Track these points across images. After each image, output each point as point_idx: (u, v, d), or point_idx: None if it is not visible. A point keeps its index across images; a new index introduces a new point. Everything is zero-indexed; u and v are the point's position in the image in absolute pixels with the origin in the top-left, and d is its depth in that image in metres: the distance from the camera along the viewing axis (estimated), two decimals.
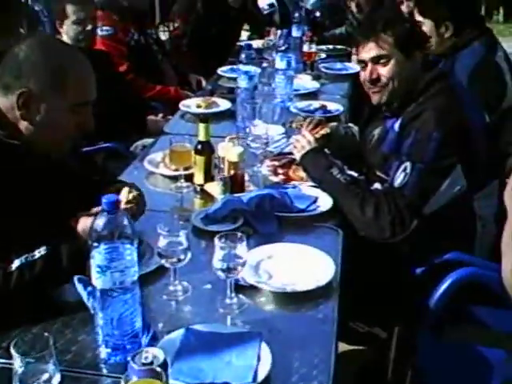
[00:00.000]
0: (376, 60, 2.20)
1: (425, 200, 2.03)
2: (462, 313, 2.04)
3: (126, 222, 1.33)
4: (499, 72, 2.77)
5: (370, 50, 2.21)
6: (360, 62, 2.29)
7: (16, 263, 1.49)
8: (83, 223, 1.58)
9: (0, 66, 1.63)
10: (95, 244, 1.31)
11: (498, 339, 2.03)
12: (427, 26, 2.75)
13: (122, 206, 1.60)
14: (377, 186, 2.16)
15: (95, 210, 1.54)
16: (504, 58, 2.84)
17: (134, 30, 3.87)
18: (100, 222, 1.31)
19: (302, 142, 2.31)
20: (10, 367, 1.22)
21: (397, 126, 2.20)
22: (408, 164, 2.03)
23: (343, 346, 2.54)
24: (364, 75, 2.26)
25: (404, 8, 3.66)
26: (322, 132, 2.43)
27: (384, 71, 2.20)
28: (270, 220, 1.99)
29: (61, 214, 1.63)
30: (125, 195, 1.72)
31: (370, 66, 2.23)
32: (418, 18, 2.79)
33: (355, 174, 2.21)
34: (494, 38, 2.94)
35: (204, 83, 4.09)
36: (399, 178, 2.04)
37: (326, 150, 2.30)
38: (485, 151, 2.19)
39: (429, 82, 2.18)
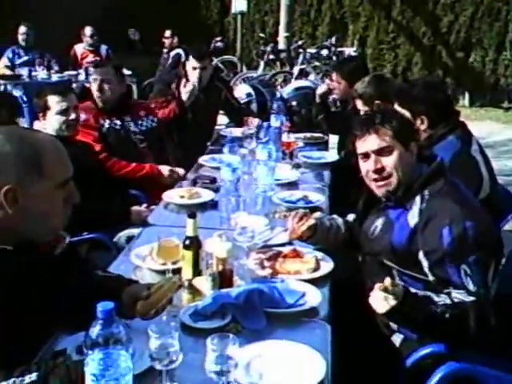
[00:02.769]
0: (379, 151, 2.26)
1: (492, 282, 2.10)
2: None
3: (121, 328, 1.33)
4: (475, 164, 2.86)
5: (372, 142, 2.26)
6: (362, 154, 2.32)
7: None
8: None
9: None
10: (89, 351, 1.31)
11: None
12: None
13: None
14: (457, 296, 2.08)
15: None
16: (479, 151, 2.94)
17: (111, 117, 3.96)
18: (95, 329, 1.31)
19: (379, 301, 1.98)
20: None
21: (412, 222, 2.21)
22: (464, 266, 2.06)
23: None
24: (367, 166, 2.30)
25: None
26: (308, 224, 2.47)
27: (388, 161, 2.25)
28: (258, 316, 1.98)
29: (54, 312, 1.64)
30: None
31: (373, 157, 2.27)
32: (397, 107, 2.90)
33: (446, 300, 2.08)
34: (468, 131, 3.04)
35: (182, 172, 4.10)
36: (470, 283, 2.05)
37: (402, 304, 1.98)
38: None
39: (431, 175, 2.24)
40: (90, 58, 8.21)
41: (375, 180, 2.30)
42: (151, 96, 5.14)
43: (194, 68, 4.66)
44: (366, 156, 2.30)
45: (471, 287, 2.06)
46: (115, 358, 1.32)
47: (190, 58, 4.70)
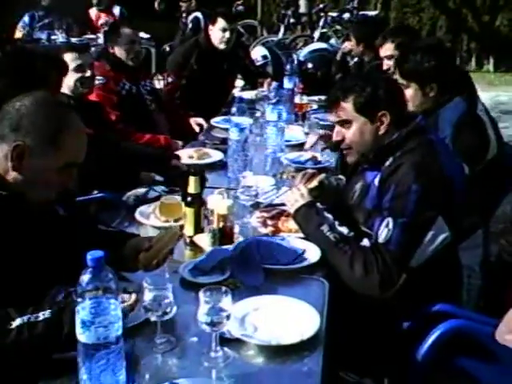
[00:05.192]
0: (341, 123, 2.31)
1: (410, 254, 2.05)
2: (451, 366, 2.04)
3: (110, 276, 1.35)
4: (482, 125, 2.81)
5: (334, 116, 2.33)
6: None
7: (17, 321, 1.50)
8: None
9: None
10: (80, 299, 1.34)
11: None
12: (412, 88, 2.78)
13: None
14: (365, 241, 2.17)
15: None
16: (484, 111, 2.89)
17: (126, 80, 3.96)
18: (85, 277, 1.34)
19: (295, 196, 2.32)
20: None
21: (377, 181, 2.23)
22: (390, 219, 2.06)
23: None
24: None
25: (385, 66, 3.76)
26: (312, 184, 2.47)
27: (347, 134, 2.29)
28: (256, 272, 2.00)
29: (53, 264, 1.68)
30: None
31: (336, 127, 2.34)
32: (401, 81, 2.78)
33: (345, 231, 2.20)
34: (473, 92, 2.98)
35: (205, 126, 4.13)
36: (383, 234, 2.06)
37: (318, 204, 2.31)
38: (465, 202, 2.22)
39: (405, 136, 2.22)
40: (103, 17, 8.20)
41: (342, 148, 2.37)
42: (168, 63, 5.11)
43: (225, 29, 4.60)
44: (334, 126, 2.38)
45: (381, 239, 2.06)
46: (105, 306, 1.35)
47: (219, 19, 4.61)
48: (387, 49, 3.80)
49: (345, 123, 2.29)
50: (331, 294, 1.99)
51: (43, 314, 1.52)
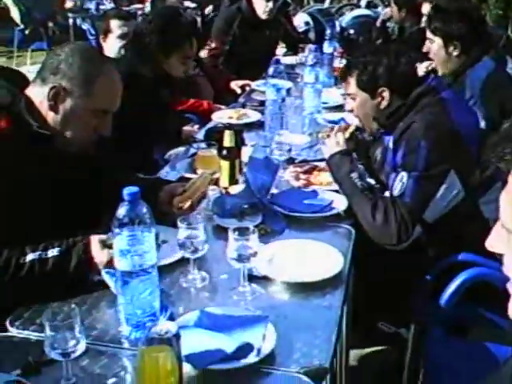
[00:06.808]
0: (349, 96, 2.48)
1: (424, 206, 2.16)
2: (473, 313, 2.12)
3: (145, 211, 1.49)
4: (511, 82, 2.84)
5: (344, 88, 2.53)
6: None
7: (30, 257, 1.65)
8: (100, 257, 1.67)
9: (43, 62, 1.85)
10: (117, 230, 1.47)
11: (509, 336, 2.09)
12: (436, 44, 2.89)
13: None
14: (387, 193, 2.27)
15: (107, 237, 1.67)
16: None
17: None
18: (122, 210, 1.47)
19: (332, 142, 2.44)
20: (43, 340, 1.36)
21: (391, 143, 2.34)
22: (404, 174, 2.17)
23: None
24: None
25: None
26: (349, 130, 2.53)
27: (353, 106, 2.44)
28: (279, 219, 2.14)
29: (86, 206, 1.83)
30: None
31: (347, 98, 2.53)
32: (429, 35, 2.90)
33: (373, 182, 2.32)
34: (501, 51, 3.01)
35: (251, 86, 4.22)
36: (398, 188, 2.17)
37: (353, 154, 2.42)
38: (479, 156, 2.27)
39: (416, 97, 2.31)
40: None
41: None
42: (213, 30, 5.19)
43: None
44: None
45: (396, 192, 2.17)
46: (140, 237, 1.48)
47: None
48: (426, 8, 3.84)
49: (351, 96, 2.44)
50: (357, 241, 2.09)
51: (52, 252, 1.67)
